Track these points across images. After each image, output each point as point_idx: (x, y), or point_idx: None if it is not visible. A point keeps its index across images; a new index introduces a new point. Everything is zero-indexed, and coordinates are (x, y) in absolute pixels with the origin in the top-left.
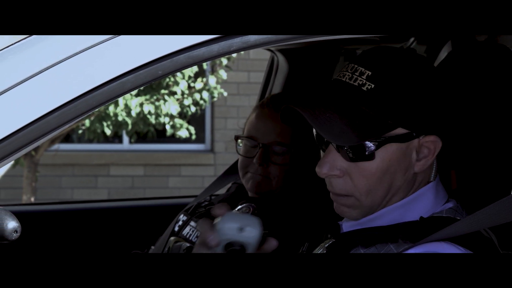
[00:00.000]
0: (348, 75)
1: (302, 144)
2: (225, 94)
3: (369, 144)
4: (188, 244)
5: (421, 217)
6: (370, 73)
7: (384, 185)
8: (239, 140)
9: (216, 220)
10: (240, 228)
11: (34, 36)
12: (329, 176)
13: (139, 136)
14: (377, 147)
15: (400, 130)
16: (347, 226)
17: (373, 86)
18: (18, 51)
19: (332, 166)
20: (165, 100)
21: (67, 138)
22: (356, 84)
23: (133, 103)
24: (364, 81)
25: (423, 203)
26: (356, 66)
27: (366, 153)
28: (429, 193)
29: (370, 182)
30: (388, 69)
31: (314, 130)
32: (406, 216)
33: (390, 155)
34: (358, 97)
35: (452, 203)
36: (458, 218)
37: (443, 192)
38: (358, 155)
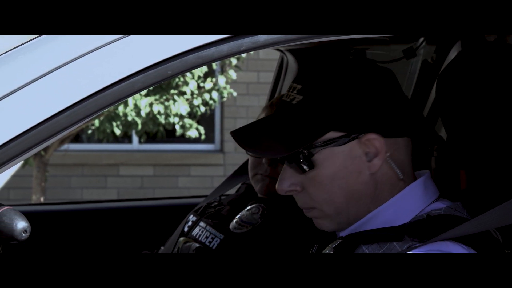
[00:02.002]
0: (285, 94)
1: None
2: (235, 94)
3: (305, 152)
4: (197, 245)
5: (428, 215)
6: (300, 86)
7: (339, 191)
8: None
9: None
10: None
11: (44, 36)
12: (289, 192)
13: (149, 136)
14: (312, 154)
15: (332, 134)
16: (344, 233)
17: (301, 98)
18: (28, 51)
19: (289, 182)
20: (174, 100)
21: (76, 138)
22: (288, 100)
23: (143, 103)
24: (295, 95)
25: (412, 200)
26: (293, 83)
27: (307, 161)
28: (417, 189)
29: (323, 190)
30: (315, 80)
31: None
32: (399, 215)
33: (332, 160)
34: (287, 112)
35: (444, 203)
36: (458, 215)
37: (433, 189)
38: (303, 165)
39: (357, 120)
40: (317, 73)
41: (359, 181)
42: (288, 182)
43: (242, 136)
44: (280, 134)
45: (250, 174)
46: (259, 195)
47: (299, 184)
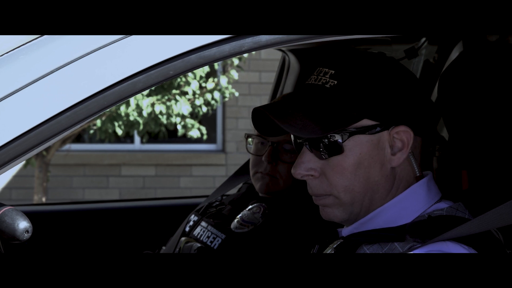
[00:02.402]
0: (314, 78)
1: None
2: (237, 94)
3: (336, 136)
4: (199, 245)
5: (429, 216)
6: (333, 71)
7: (360, 180)
8: (250, 139)
9: None
10: None
11: (45, 36)
12: (305, 176)
13: (151, 136)
14: (344, 139)
15: (366, 122)
16: (345, 232)
17: (335, 82)
18: (30, 51)
19: (307, 166)
20: (176, 100)
21: (78, 138)
22: (320, 83)
23: (145, 103)
24: (328, 79)
25: (416, 200)
26: (321, 68)
27: (334, 146)
28: (421, 190)
29: (344, 178)
30: (350, 66)
31: (291, 135)
32: (401, 215)
33: (359, 148)
34: (321, 95)
35: (447, 203)
36: (460, 216)
37: (435, 190)
38: (328, 150)
39: (392, 111)
40: (352, 60)
41: (381, 173)
42: (306, 166)
43: (273, 111)
44: (315, 115)
45: (251, 172)
46: (259, 194)
47: (317, 169)
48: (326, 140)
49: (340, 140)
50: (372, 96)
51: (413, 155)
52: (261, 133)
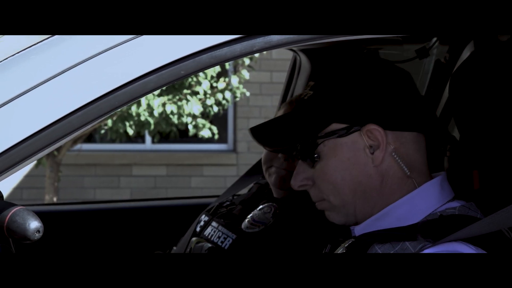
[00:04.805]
0: (303, 92)
1: None
2: (248, 94)
3: (311, 144)
4: (209, 245)
5: (441, 215)
6: (313, 83)
7: (344, 182)
8: None
9: None
10: None
11: (56, 36)
12: (302, 187)
13: (162, 136)
14: (317, 145)
15: (335, 126)
16: (358, 230)
17: (312, 93)
18: (41, 51)
19: (301, 177)
20: (187, 100)
21: (89, 138)
22: (303, 96)
23: (156, 103)
24: (308, 91)
25: (428, 199)
26: (309, 81)
27: (312, 153)
28: (433, 188)
29: (329, 182)
30: (324, 76)
31: None
32: (413, 212)
33: (335, 152)
34: (298, 106)
35: (459, 202)
36: (472, 215)
37: (449, 190)
38: (310, 158)
39: (358, 111)
40: (327, 70)
41: (364, 173)
42: (300, 176)
43: (258, 133)
44: (289, 127)
45: (264, 167)
46: (272, 189)
47: (310, 178)
48: (307, 148)
49: (315, 147)
50: (338, 101)
51: (398, 153)
52: (263, 146)
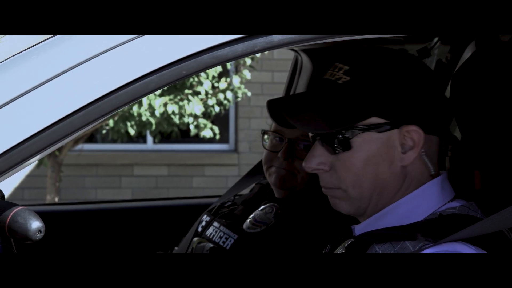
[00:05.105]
0: (330, 73)
1: None
2: (249, 94)
3: (345, 133)
4: (211, 245)
5: (440, 214)
6: (347, 68)
7: (368, 177)
8: (266, 136)
9: None
10: None
11: (58, 36)
12: (316, 170)
13: (163, 136)
14: (352, 136)
15: (375, 120)
16: (359, 229)
17: (348, 78)
18: (42, 51)
19: (318, 161)
20: (189, 100)
21: (91, 138)
22: (333, 79)
23: (157, 103)
24: (341, 75)
25: (429, 198)
26: (337, 63)
27: (343, 142)
28: (434, 188)
29: (353, 173)
30: (364, 63)
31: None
32: (414, 212)
33: (368, 145)
34: (332, 90)
35: (460, 202)
36: (472, 215)
37: (449, 189)
38: (338, 146)
39: (402, 110)
40: (367, 57)
41: (390, 171)
42: (317, 160)
43: (283, 106)
44: (324, 110)
45: (264, 167)
46: (273, 188)
47: (328, 163)
48: (337, 136)
49: (348, 137)
50: (382, 95)
51: (427, 155)
52: (277, 123)
